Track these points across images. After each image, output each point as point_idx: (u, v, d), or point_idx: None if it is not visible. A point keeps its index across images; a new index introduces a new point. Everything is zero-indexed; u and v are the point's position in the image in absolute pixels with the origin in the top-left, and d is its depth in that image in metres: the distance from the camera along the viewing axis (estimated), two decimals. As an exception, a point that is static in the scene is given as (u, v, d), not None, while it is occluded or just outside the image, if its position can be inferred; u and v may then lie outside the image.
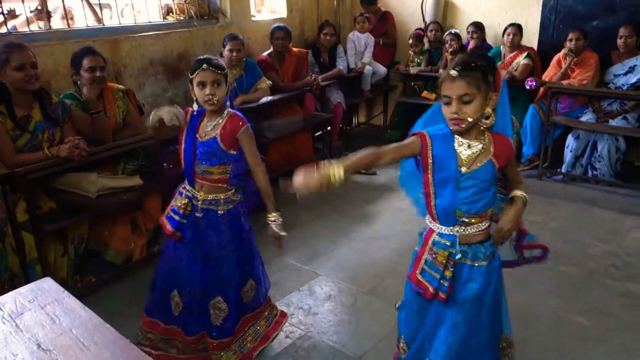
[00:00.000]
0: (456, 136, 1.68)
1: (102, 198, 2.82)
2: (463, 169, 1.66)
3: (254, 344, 2.41)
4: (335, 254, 3.35)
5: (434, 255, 1.73)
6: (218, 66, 2.07)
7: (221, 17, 4.54)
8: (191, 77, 2.08)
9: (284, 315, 2.60)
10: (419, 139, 1.70)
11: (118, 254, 3.06)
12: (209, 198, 2.19)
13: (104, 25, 3.78)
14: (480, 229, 1.71)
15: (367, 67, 5.38)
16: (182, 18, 4.35)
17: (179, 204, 2.21)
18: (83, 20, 3.72)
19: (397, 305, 1.99)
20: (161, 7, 4.35)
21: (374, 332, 2.57)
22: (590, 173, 4.37)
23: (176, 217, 2.21)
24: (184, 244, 2.24)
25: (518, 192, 1.76)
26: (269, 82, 4.24)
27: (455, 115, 1.59)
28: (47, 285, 1.51)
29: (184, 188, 2.24)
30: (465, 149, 1.66)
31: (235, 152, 2.15)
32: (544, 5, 4.84)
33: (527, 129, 4.60)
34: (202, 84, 2.05)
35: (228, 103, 2.19)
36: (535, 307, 2.68)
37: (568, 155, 4.44)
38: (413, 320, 1.88)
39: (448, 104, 1.61)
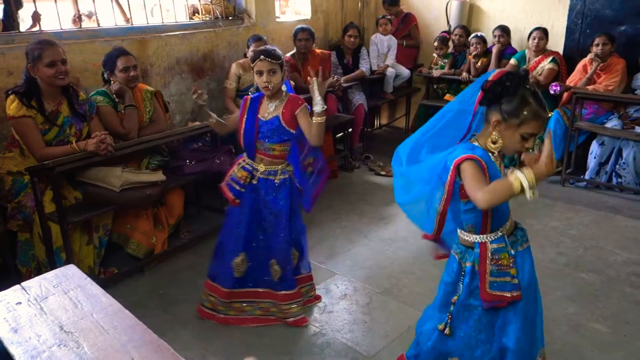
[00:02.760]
0: (493, 157, 1.72)
1: (125, 192, 2.90)
2: None
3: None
4: (353, 254, 3.38)
5: (497, 262, 1.76)
6: (274, 56, 2.35)
7: (246, 18, 4.61)
8: (252, 65, 2.40)
9: (318, 297, 2.86)
10: (479, 164, 1.65)
11: (139, 247, 3.13)
12: (267, 169, 2.49)
13: (132, 24, 3.88)
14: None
15: (390, 70, 5.39)
16: (207, 18, 4.43)
17: (239, 175, 2.50)
18: (112, 19, 3.83)
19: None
20: (187, 8, 4.45)
21: (388, 331, 2.59)
22: (614, 180, 4.30)
23: (237, 187, 2.50)
24: (245, 210, 2.53)
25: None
26: (292, 83, 4.28)
27: (524, 150, 1.67)
28: (71, 272, 1.57)
29: (244, 161, 2.53)
30: (503, 168, 1.76)
31: (294, 131, 2.45)
32: (571, 9, 4.78)
33: (550, 134, 4.54)
34: (259, 72, 2.35)
35: (284, 88, 2.46)
36: (553, 313, 2.66)
37: (592, 162, 4.37)
38: (471, 337, 1.87)
39: (526, 139, 1.64)
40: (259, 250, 2.59)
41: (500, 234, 1.76)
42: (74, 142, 2.85)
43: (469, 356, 1.87)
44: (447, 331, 1.88)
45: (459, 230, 1.84)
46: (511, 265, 1.75)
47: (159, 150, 3.38)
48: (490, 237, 1.76)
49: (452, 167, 1.67)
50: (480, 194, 1.57)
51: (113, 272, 3.07)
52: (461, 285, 1.82)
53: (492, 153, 1.69)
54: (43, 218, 2.69)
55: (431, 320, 1.97)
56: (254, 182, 2.49)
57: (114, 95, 3.18)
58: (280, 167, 2.50)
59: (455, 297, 1.84)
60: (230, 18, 4.54)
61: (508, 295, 1.74)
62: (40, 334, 1.27)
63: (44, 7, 3.62)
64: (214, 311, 2.68)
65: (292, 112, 2.42)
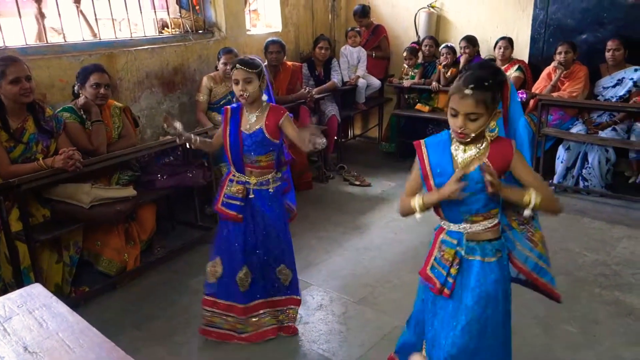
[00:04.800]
0: (454, 141, 1.74)
1: (95, 208, 2.85)
2: None
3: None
4: (328, 264, 3.38)
5: (442, 253, 1.80)
6: (249, 65, 2.35)
7: (216, 32, 4.62)
8: (229, 75, 2.42)
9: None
10: (416, 151, 1.79)
11: (111, 264, 3.08)
12: (259, 180, 2.49)
13: (100, 39, 3.84)
14: (487, 227, 1.75)
15: (361, 80, 5.45)
16: (177, 32, 4.42)
17: (235, 190, 2.48)
18: (78, 34, 3.79)
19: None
20: (157, 22, 4.43)
21: (364, 340, 2.59)
22: (581, 184, 4.41)
23: (237, 202, 2.48)
24: (246, 223, 2.52)
25: (532, 193, 1.65)
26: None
27: (460, 130, 1.65)
28: (36, 290, 1.54)
29: (234, 176, 2.51)
30: (461, 152, 1.73)
31: (278, 141, 2.46)
32: (534, 19, 4.93)
33: (518, 140, 4.64)
34: (236, 81, 2.36)
35: (265, 97, 2.45)
36: (523, 316, 2.70)
37: (559, 167, 4.48)
38: (420, 311, 1.96)
39: (454, 116, 1.66)
40: (261, 261, 2.58)
41: (459, 230, 1.77)
42: (40, 159, 2.79)
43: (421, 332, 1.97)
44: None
45: None
46: (454, 265, 1.76)
47: (130, 165, 3.34)
48: (449, 226, 1.79)
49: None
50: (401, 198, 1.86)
51: (84, 290, 3.01)
52: None
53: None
54: (9, 237, 2.62)
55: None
56: (251, 196, 2.49)
57: (81, 111, 3.13)
58: (270, 176, 2.51)
59: None
60: (200, 32, 4.54)
61: (438, 285, 1.78)
62: (3, 355, 1.24)
63: (6, 23, 3.56)
64: (234, 332, 2.61)
65: (275, 122, 2.42)
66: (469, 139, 1.66)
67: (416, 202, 1.76)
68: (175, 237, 3.74)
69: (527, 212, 1.67)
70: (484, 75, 1.64)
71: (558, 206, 1.74)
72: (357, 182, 4.86)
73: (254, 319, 2.63)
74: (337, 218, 4.10)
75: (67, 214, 2.84)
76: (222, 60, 4.04)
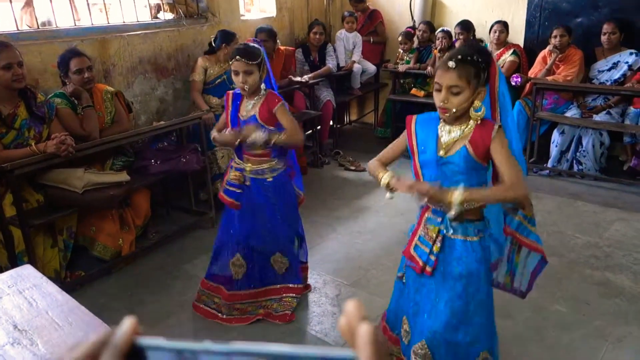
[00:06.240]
0: (441, 121, 1.75)
1: (88, 193, 2.86)
2: (441, 152, 1.73)
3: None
4: (322, 248, 3.40)
5: (426, 230, 1.81)
6: (250, 56, 2.33)
7: (210, 17, 4.59)
8: (230, 63, 2.38)
9: (308, 287, 2.90)
10: (406, 125, 1.82)
11: (105, 249, 3.10)
12: (255, 168, 2.48)
13: (92, 24, 3.82)
14: (468, 208, 1.73)
15: (357, 66, 5.44)
16: (171, 17, 4.39)
17: (233, 177, 2.50)
18: (69, 20, 3.77)
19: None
20: (150, 7, 4.40)
21: (356, 322, 2.62)
22: (576, 168, 4.43)
23: (235, 189, 2.51)
24: (242, 211, 2.54)
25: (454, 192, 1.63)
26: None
27: (442, 104, 1.65)
28: (26, 271, 1.55)
29: (235, 162, 2.54)
30: (446, 133, 1.73)
31: (273, 127, 2.41)
32: (530, 3, 4.91)
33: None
34: (236, 72, 2.35)
35: (263, 86, 2.45)
36: (515, 298, 2.71)
37: (554, 151, 4.49)
38: (400, 289, 1.98)
39: (438, 91, 1.67)
40: (256, 250, 2.60)
41: (443, 209, 1.75)
42: (32, 144, 2.79)
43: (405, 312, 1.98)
44: (404, 280, 1.98)
45: None
46: (437, 242, 1.77)
47: (124, 150, 3.34)
48: (435, 205, 1.79)
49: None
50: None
51: (80, 275, 3.03)
52: None
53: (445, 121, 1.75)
54: (3, 222, 2.64)
55: None
56: (247, 183, 2.50)
57: (72, 97, 3.12)
58: (267, 165, 2.49)
59: None
60: (194, 17, 4.51)
61: (421, 263, 1.79)
62: (-8, 333, 1.25)
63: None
64: (219, 312, 2.68)
65: (269, 109, 2.41)
66: (450, 115, 1.66)
67: (384, 178, 1.75)
68: (169, 222, 3.75)
69: (451, 213, 1.64)
70: (468, 51, 1.66)
71: (521, 200, 1.74)
72: (353, 167, 4.87)
73: (238, 306, 2.66)
74: (332, 203, 4.11)
75: (60, 199, 2.85)
76: (232, 44, 4.00)
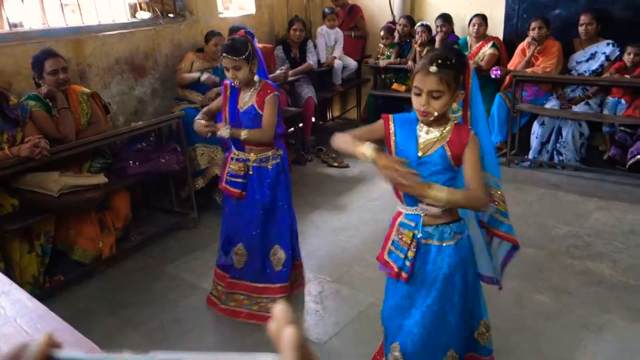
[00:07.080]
0: (419, 122, 1.74)
1: (64, 197, 2.82)
2: (419, 153, 1.72)
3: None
4: (305, 245, 3.37)
5: (400, 236, 1.79)
6: (236, 52, 2.35)
7: (188, 15, 4.54)
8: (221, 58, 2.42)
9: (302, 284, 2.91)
10: (383, 124, 1.78)
11: (85, 253, 3.05)
12: (260, 157, 2.53)
13: (66, 25, 3.75)
14: (444, 209, 1.72)
15: (337, 62, 5.42)
16: (148, 16, 4.34)
17: (236, 168, 2.53)
18: (40, 21, 3.69)
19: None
20: (129, 7, 4.34)
21: (340, 318, 2.61)
22: (556, 159, 4.46)
23: (239, 180, 2.53)
24: (244, 201, 2.57)
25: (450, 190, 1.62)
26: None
27: (423, 108, 1.64)
28: (-5, 278, 1.51)
29: (234, 154, 2.56)
30: (424, 133, 1.72)
31: None
32: (508, -4, 4.93)
33: (494, 117, 4.67)
34: (226, 68, 2.41)
35: (257, 77, 2.48)
36: (495, 288, 2.74)
37: (534, 142, 4.52)
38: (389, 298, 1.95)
39: (418, 95, 1.65)
40: (258, 240, 2.63)
41: (417, 213, 1.75)
42: (6, 148, 2.74)
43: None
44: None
45: None
46: (412, 247, 1.75)
47: (101, 152, 3.29)
48: (407, 209, 1.78)
49: None
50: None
51: (59, 280, 2.98)
52: None
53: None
54: (-23, 228, 2.58)
55: None
56: (250, 172, 2.54)
57: (47, 99, 3.06)
58: (270, 152, 2.55)
59: None
60: (171, 15, 4.46)
61: (396, 269, 1.77)
62: (-42, 343, 1.22)
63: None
64: (218, 300, 2.74)
65: (263, 98, 2.47)
66: (431, 118, 1.66)
67: (368, 152, 1.66)
68: (151, 223, 3.70)
69: (434, 210, 1.67)
70: (448, 54, 1.65)
71: (479, 207, 1.71)
72: (336, 164, 4.86)
73: (237, 296, 2.71)
74: (315, 199, 4.10)
75: (36, 203, 2.80)
76: (212, 42, 4.08)
